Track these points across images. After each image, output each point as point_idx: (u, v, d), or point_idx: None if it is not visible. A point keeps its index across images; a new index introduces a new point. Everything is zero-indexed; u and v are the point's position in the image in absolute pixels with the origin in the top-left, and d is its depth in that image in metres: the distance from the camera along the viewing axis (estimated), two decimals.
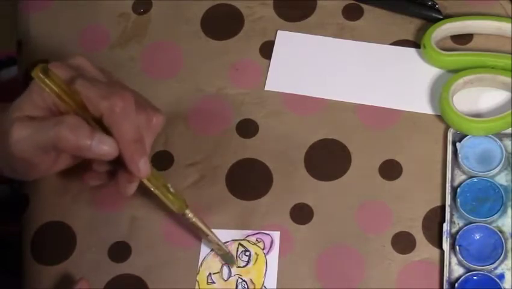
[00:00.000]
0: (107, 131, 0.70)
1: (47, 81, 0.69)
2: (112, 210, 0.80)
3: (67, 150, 0.70)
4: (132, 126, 0.70)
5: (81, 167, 0.81)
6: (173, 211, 0.75)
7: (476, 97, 0.81)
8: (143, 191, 0.80)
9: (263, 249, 0.77)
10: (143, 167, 0.71)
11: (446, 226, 0.76)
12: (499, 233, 0.75)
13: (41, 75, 0.69)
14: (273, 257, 0.77)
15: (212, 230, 0.77)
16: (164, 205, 0.75)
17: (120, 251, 0.79)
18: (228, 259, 0.77)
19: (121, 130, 0.70)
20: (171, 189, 0.75)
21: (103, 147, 0.70)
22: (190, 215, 0.75)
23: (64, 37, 0.88)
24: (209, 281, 0.77)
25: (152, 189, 0.74)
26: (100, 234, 0.79)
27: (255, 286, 0.76)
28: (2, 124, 0.73)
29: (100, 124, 0.71)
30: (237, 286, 0.76)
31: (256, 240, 0.78)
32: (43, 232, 0.80)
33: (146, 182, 0.73)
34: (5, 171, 0.76)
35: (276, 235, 0.78)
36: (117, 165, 0.73)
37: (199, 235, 0.77)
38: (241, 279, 0.76)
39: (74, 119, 0.70)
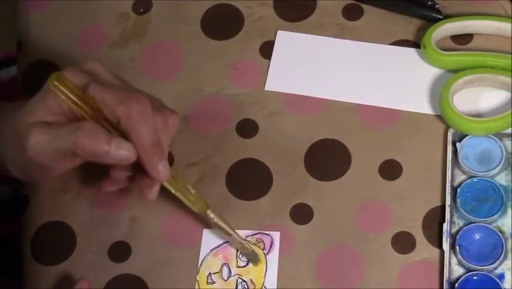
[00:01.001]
0: (124, 136, 0.70)
1: (63, 89, 0.69)
2: (112, 210, 0.80)
3: (85, 156, 0.70)
4: (150, 129, 0.70)
5: (81, 167, 0.82)
6: (195, 211, 0.75)
7: (476, 97, 0.81)
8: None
9: (263, 249, 0.77)
10: (162, 170, 0.71)
11: (446, 226, 0.76)
12: (499, 233, 0.75)
13: (56, 83, 0.69)
14: (273, 257, 0.77)
15: (213, 230, 0.77)
16: (185, 206, 0.75)
17: (120, 251, 0.79)
18: (253, 258, 0.77)
19: (139, 134, 0.70)
20: (192, 191, 0.75)
21: (121, 152, 0.69)
22: (211, 215, 0.75)
23: (64, 37, 0.88)
24: (209, 281, 0.76)
25: (173, 191, 0.74)
26: (100, 234, 0.79)
27: (255, 286, 0.76)
28: (9, 125, 0.74)
29: (117, 129, 0.71)
30: (236, 286, 0.76)
31: (256, 240, 0.78)
32: (43, 232, 0.80)
33: (166, 184, 0.73)
34: (15, 173, 0.76)
35: (276, 235, 0.78)
36: (136, 170, 0.73)
37: (199, 236, 0.78)
38: (241, 279, 0.76)
39: (91, 125, 0.69)
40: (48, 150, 0.70)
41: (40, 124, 0.71)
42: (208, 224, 0.77)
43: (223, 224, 0.76)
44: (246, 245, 0.76)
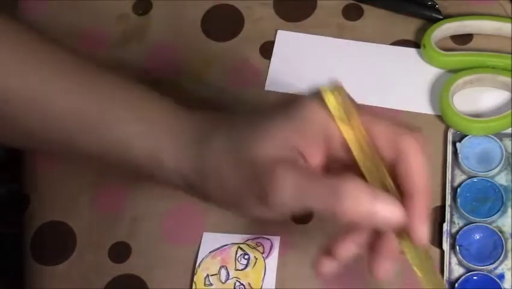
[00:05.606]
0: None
1: (336, 105, 0.53)
2: (112, 210, 0.80)
3: (336, 221, 0.53)
4: (426, 172, 0.54)
5: (81, 167, 0.82)
6: None
7: (476, 97, 0.81)
8: (143, 190, 0.80)
9: (262, 253, 0.77)
10: (424, 230, 0.53)
11: (446, 226, 0.76)
12: (499, 233, 0.75)
13: (332, 97, 0.53)
14: (272, 261, 0.77)
15: (212, 233, 0.77)
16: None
17: (120, 251, 0.79)
18: None
19: (420, 179, 0.53)
20: (438, 275, 0.59)
21: (393, 211, 0.51)
22: None
23: (64, 37, 0.88)
24: (207, 283, 0.76)
25: (414, 267, 0.56)
26: (100, 234, 0.80)
27: None
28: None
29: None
30: None
31: (256, 244, 0.78)
32: (43, 232, 0.80)
33: (410, 250, 0.55)
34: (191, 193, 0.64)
35: (276, 239, 0.77)
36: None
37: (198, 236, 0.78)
38: (239, 282, 0.76)
39: (355, 185, 0.51)
40: (289, 204, 0.52)
41: (289, 165, 0.52)
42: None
43: None
44: None
